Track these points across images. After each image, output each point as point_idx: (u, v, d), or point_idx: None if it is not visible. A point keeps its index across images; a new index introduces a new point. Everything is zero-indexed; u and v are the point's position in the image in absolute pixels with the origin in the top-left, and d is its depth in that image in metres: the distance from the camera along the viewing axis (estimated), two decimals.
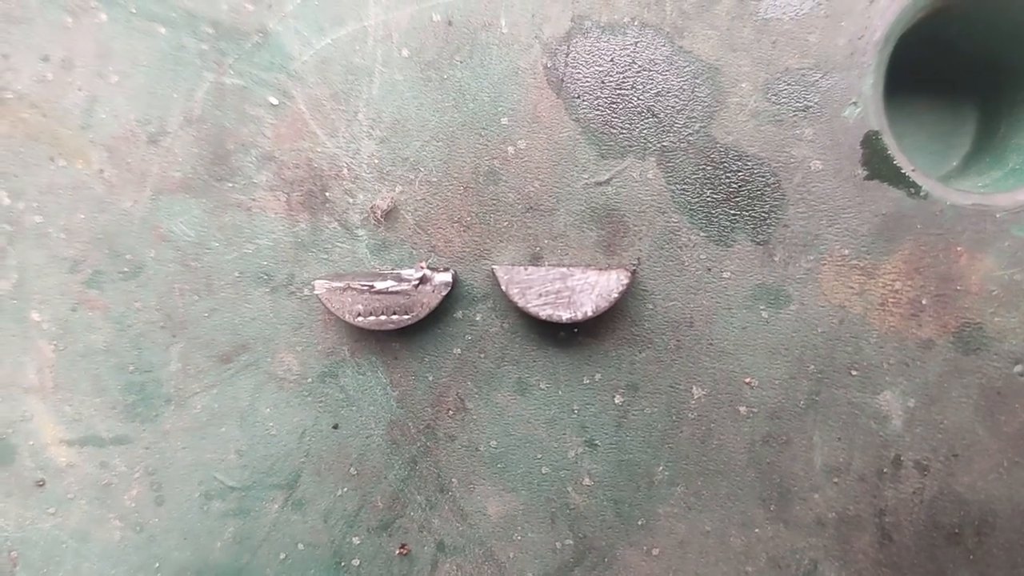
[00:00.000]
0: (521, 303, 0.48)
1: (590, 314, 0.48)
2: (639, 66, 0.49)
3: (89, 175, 0.51)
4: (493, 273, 0.49)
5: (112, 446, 0.53)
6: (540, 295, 0.48)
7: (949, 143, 0.59)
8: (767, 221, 0.49)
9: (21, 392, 0.53)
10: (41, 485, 0.54)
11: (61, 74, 0.51)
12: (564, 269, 0.48)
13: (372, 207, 0.50)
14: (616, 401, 0.51)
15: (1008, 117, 0.54)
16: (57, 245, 0.52)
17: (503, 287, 0.48)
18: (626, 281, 0.47)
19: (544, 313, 0.48)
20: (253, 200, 0.51)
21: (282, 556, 0.53)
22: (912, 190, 0.48)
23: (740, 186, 0.49)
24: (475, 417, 0.52)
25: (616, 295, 0.48)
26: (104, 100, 0.51)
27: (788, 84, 0.48)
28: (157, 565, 0.53)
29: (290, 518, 0.53)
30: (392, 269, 0.51)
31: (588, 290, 0.48)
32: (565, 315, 0.48)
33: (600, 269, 0.48)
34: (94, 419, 0.53)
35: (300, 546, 0.53)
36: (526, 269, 0.48)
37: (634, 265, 0.49)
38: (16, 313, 0.52)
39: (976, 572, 0.50)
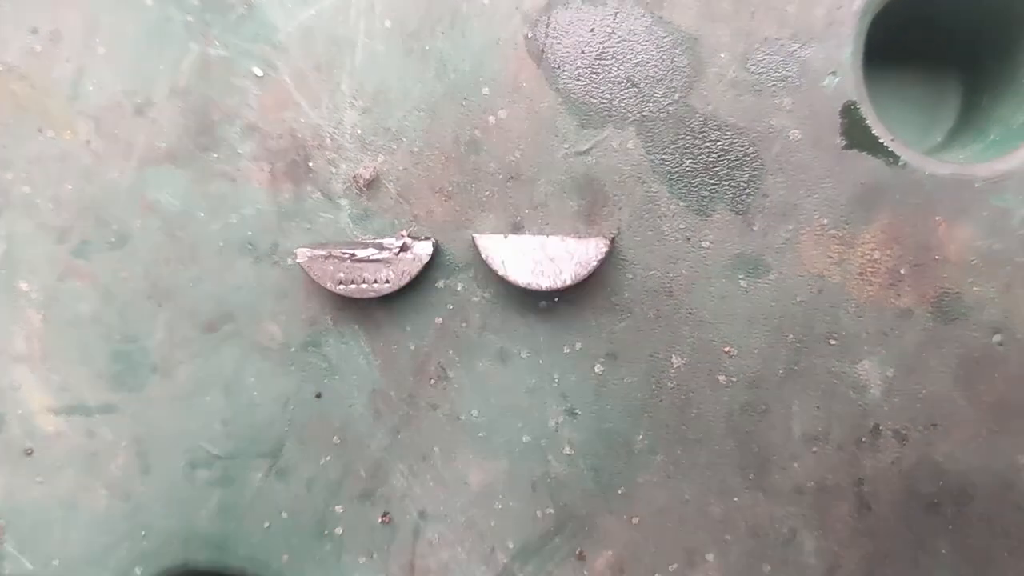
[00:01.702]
0: (501, 272, 0.48)
1: (569, 282, 0.48)
2: (619, 36, 0.49)
3: (76, 146, 0.52)
4: (474, 242, 0.49)
5: (99, 415, 0.54)
6: (520, 263, 0.48)
7: (934, 117, 0.59)
8: (746, 191, 0.49)
9: (10, 361, 0.54)
10: (30, 454, 0.54)
11: (49, 46, 0.52)
12: (544, 238, 0.48)
13: (354, 176, 0.51)
14: (596, 370, 0.51)
15: (990, 91, 0.55)
16: (45, 215, 0.53)
17: (484, 256, 0.48)
18: (605, 249, 0.48)
19: (524, 281, 0.48)
20: (237, 170, 0.52)
21: (266, 524, 0.53)
22: (890, 160, 0.48)
23: (719, 156, 0.49)
24: (457, 386, 0.52)
25: (595, 263, 0.48)
26: (91, 72, 0.52)
27: (767, 54, 0.49)
28: (143, 533, 0.54)
29: (274, 486, 0.53)
30: (374, 238, 0.51)
31: (567, 258, 0.48)
32: (545, 283, 0.48)
33: (579, 238, 0.48)
34: (81, 388, 0.54)
35: (284, 514, 0.53)
36: (506, 238, 0.48)
37: (613, 234, 0.50)
38: (4, 283, 0.53)
39: (954, 541, 0.50)
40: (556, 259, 0.48)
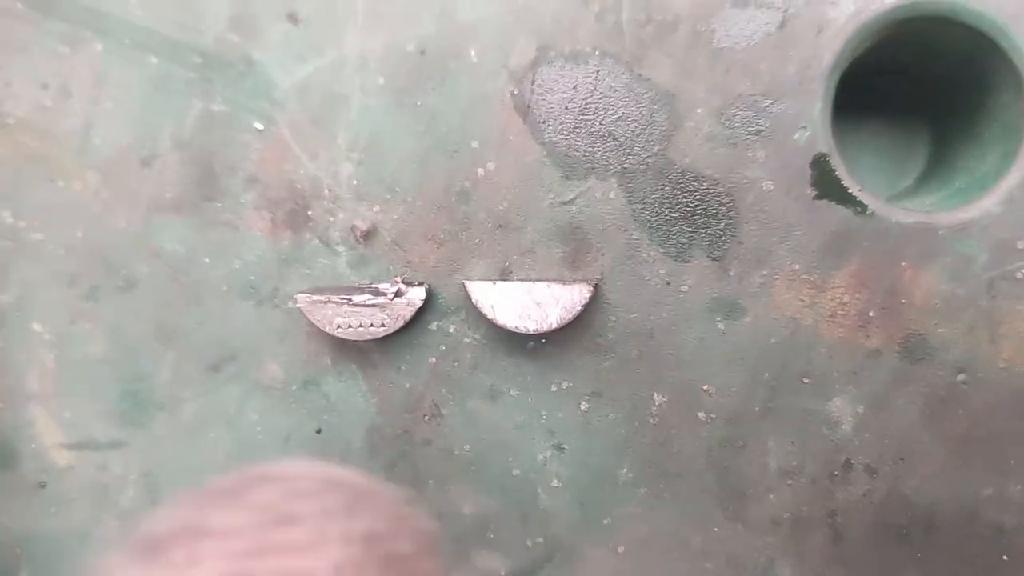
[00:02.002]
0: (491, 316, 0.51)
1: (555, 326, 0.51)
2: (600, 93, 0.52)
3: (86, 196, 0.55)
4: (465, 288, 0.52)
5: (109, 450, 0.56)
6: (508, 308, 0.51)
7: (903, 167, 0.61)
8: (722, 238, 0.52)
9: (24, 399, 0.56)
10: (43, 486, 0.57)
11: (59, 101, 0.54)
12: (531, 283, 0.51)
13: (352, 228, 0.53)
14: (582, 407, 0.54)
15: (955, 140, 0.57)
16: (56, 261, 0.55)
17: (474, 301, 0.51)
18: (588, 294, 0.50)
19: (512, 324, 0.51)
20: (240, 219, 0.54)
21: None
22: (859, 209, 0.51)
23: (696, 205, 0.52)
24: (449, 423, 0.55)
25: (579, 308, 0.50)
26: (99, 125, 0.54)
27: (741, 109, 0.51)
28: None
29: None
30: (370, 283, 0.54)
31: (553, 303, 0.51)
32: (531, 327, 0.51)
33: (564, 283, 0.51)
34: (92, 425, 0.56)
35: None
36: (495, 284, 0.51)
37: (596, 279, 0.52)
38: (19, 325, 0.56)
39: (923, 570, 0.52)
40: (542, 304, 0.51)
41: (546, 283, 0.51)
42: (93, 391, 0.56)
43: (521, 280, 0.52)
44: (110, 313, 0.56)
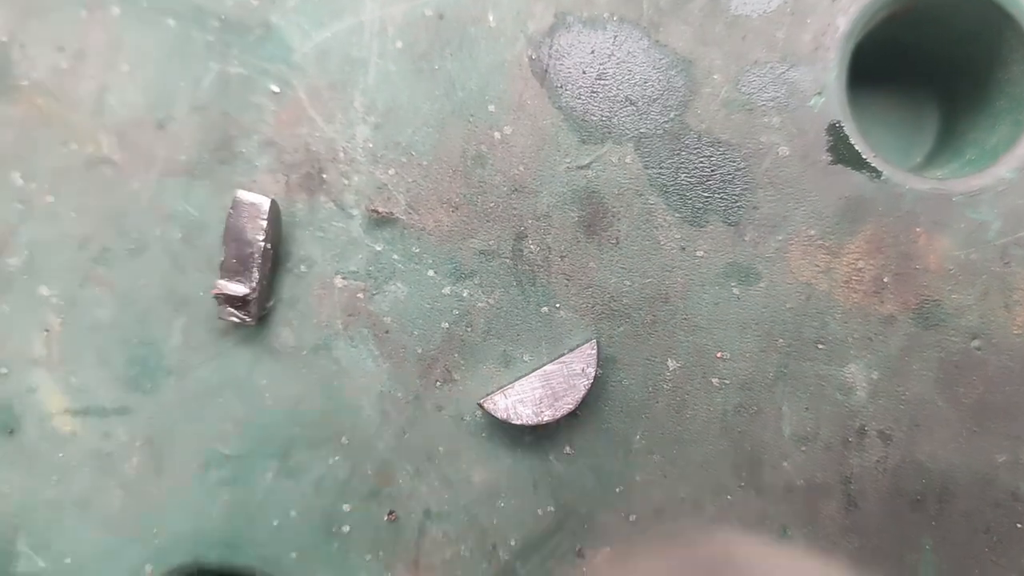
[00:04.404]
0: (517, 421, 0.51)
1: (572, 408, 0.51)
2: (618, 58, 0.52)
3: (99, 158, 0.54)
4: (482, 407, 0.52)
5: (114, 416, 0.56)
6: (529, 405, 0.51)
7: (913, 140, 0.62)
8: (738, 203, 0.52)
9: (28, 364, 0.56)
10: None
11: (75, 63, 0.54)
12: (540, 371, 0.51)
13: (371, 209, 0.53)
14: (596, 373, 0.53)
15: (965, 114, 0.58)
16: (67, 224, 0.55)
17: (503, 417, 0.51)
18: (592, 372, 0.51)
19: (532, 421, 0.51)
20: (254, 182, 0.54)
21: (275, 523, 0.55)
22: (873, 175, 0.51)
23: (713, 170, 0.52)
24: (461, 388, 0.54)
25: (584, 390, 0.51)
26: (115, 88, 0.54)
27: (757, 76, 0.52)
28: (155, 531, 0.56)
29: (284, 486, 0.55)
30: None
31: (564, 387, 0.51)
32: (546, 417, 0.51)
33: (564, 362, 0.51)
34: (98, 390, 0.56)
35: (293, 513, 0.55)
36: (505, 394, 0.51)
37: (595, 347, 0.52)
38: (26, 288, 0.55)
39: (938, 537, 0.52)
40: (555, 390, 0.51)
41: (555, 363, 0.51)
42: (101, 356, 0.56)
43: (526, 374, 0.52)
44: (120, 277, 0.55)
